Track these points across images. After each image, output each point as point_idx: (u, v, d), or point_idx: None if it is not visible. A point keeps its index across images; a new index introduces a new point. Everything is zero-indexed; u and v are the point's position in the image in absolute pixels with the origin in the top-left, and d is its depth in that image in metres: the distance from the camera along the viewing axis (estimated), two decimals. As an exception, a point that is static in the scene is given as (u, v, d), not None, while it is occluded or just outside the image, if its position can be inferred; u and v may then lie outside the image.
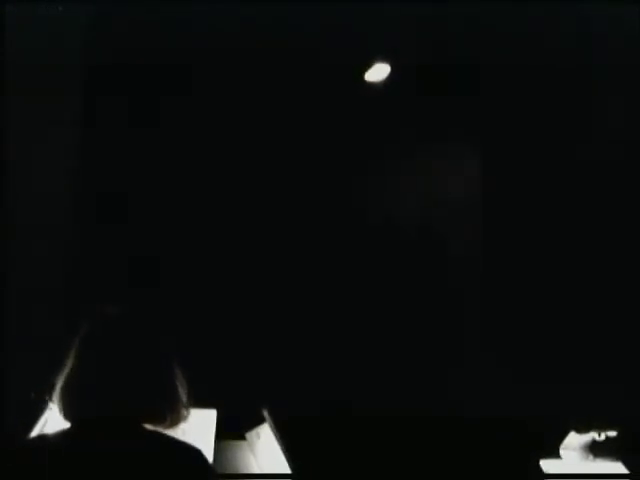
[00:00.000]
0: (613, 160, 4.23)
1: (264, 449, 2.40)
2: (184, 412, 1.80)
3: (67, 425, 1.72)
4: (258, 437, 2.46)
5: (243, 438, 2.51)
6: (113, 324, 1.79)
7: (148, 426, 1.72)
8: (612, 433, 2.78)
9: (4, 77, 3.64)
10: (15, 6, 3.69)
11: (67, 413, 1.72)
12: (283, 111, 4.33)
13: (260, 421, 2.45)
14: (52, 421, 2.06)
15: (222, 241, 4.23)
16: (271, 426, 2.36)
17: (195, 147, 4.31)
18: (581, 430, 2.79)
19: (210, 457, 2.17)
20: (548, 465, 2.77)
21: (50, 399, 1.75)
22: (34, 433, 2.13)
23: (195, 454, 1.69)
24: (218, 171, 4.31)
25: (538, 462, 2.77)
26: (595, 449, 2.79)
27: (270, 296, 4.21)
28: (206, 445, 2.21)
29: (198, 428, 2.24)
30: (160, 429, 1.74)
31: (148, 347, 1.77)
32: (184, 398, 1.79)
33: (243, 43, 4.16)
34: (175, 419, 1.77)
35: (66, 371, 1.73)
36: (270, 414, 2.39)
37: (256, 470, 2.39)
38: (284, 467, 2.23)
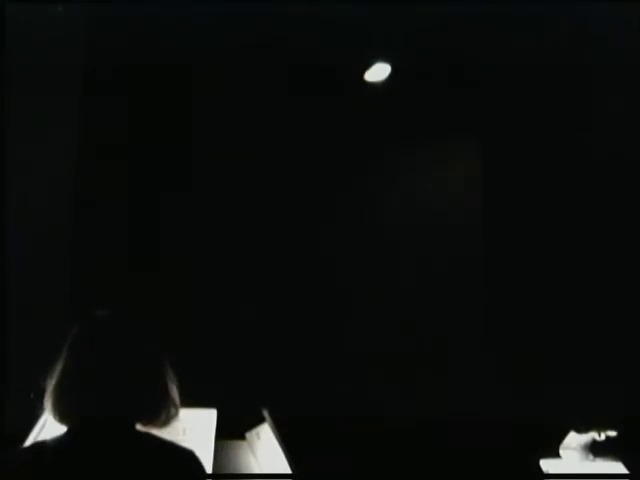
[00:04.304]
0: (613, 159, 4.23)
1: (264, 449, 2.39)
2: (175, 411, 1.79)
3: (63, 426, 1.73)
4: (258, 437, 2.46)
5: (243, 438, 2.51)
6: (102, 325, 1.79)
7: (140, 426, 1.72)
8: (612, 433, 2.78)
9: (4, 77, 3.64)
10: (15, 6, 3.69)
11: (57, 414, 1.72)
12: (283, 111, 4.34)
13: (260, 421, 2.44)
14: (52, 421, 2.05)
15: (223, 241, 4.23)
16: (271, 426, 2.35)
17: (194, 147, 4.31)
18: (581, 430, 2.78)
19: (210, 457, 2.17)
20: (548, 465, 2.76)
21: (42, 401, 1.75)
22: (34, 433, 2.13)
23: (187, 455, 1.69)
24: (218, 171, 4.31)
25: (538, 462, 2.76)
26: (595, 449, 2.79)
27: (271, 296, 4.22)
28: (206, 445, 2.21)
29: (198, 428, 2.24)
30: (153, 428, 1.74)
31: (138, 347, 1.76)
32: (176, 397, 1.79)
33: (243, 43, 4.16)
34: (167, 418, 1.77)
35: (57, 373, 1.73)
36: (270, 414, 2.39)
37: (256, 470, 2.39)
38: (284, 467, 2.22)
